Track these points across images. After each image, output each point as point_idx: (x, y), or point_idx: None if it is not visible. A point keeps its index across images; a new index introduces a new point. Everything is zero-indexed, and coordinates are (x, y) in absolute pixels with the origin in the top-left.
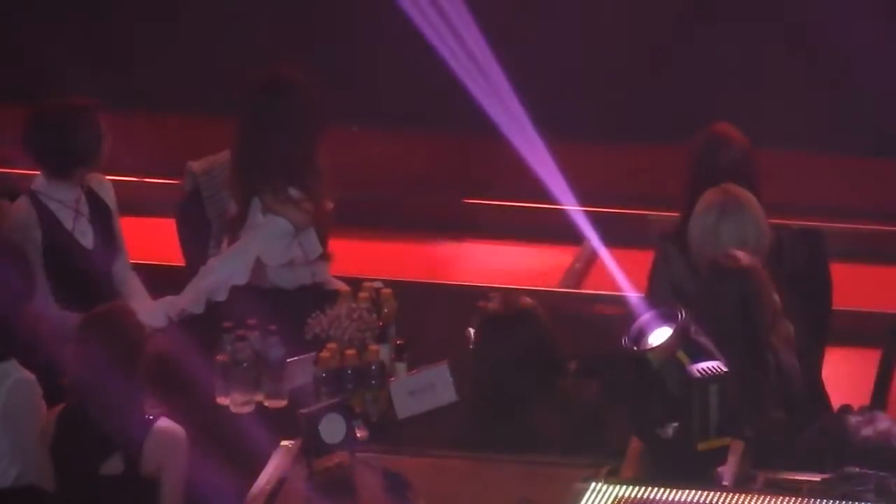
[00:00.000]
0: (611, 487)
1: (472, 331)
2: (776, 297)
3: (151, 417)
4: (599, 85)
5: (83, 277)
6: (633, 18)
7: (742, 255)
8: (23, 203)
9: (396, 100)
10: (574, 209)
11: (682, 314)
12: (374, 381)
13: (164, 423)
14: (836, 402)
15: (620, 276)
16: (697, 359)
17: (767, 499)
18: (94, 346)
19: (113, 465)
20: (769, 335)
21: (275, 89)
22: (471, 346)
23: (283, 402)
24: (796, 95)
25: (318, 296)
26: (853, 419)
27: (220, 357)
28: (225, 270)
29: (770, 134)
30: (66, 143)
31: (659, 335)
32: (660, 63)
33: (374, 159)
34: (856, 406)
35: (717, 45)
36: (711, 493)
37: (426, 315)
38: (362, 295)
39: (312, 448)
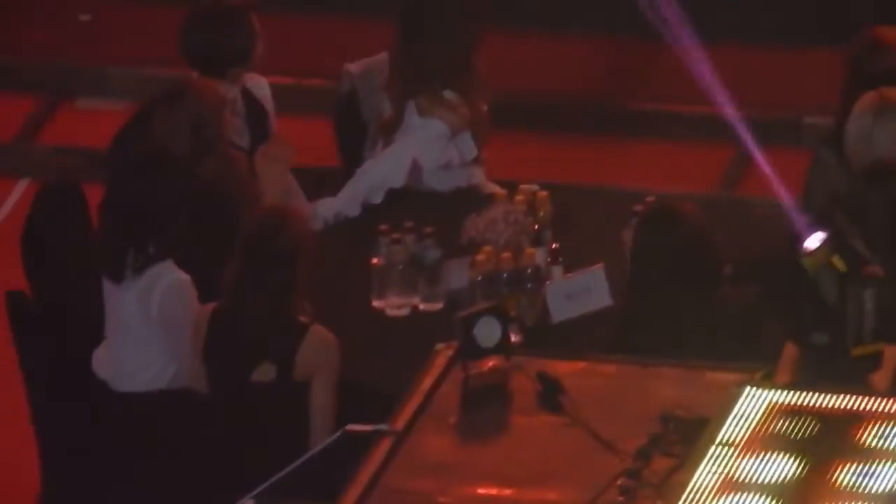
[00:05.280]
0: (765, 392)
1: (628, 234)
2: None
3: (305, 322)
4: None
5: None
6: None
7: (894, 160)
8: None
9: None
10: (731, 112)
11: (838, 219)
12: (529, 285)
13: (317, 329)
14: None
15: (776, 181)
16: (852, 264)
17: None
18: (252, 246)
19: (265, 371)
20: None
21: None
22: (627, 250)
23: (438, 306)
24: None
25: (474, 198)
26: None
27: (375, 260)
28: (381, 172)
29: None
30: (219, 43)
31: (814, 240)
32: None
33: (531, 62)
34: None
35: None
36: (866, 399)
37: (582, 218)
38: (518, 198)
39: (467, 351)
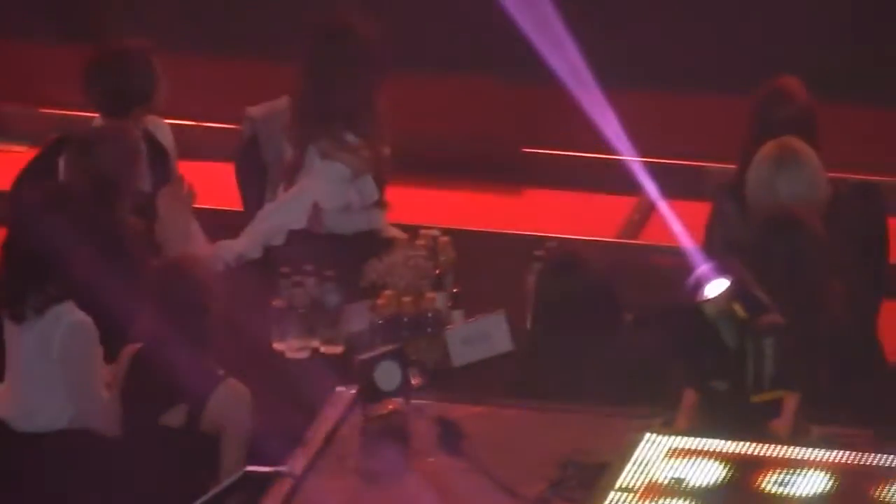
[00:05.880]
0: (665, 438)
1: (530, 279)
2: (831, 251)
3: (220, 374)
4: (656, 33)
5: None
6: None
7: (796, 209)
8: None
9: (452, 46)
10: (632, 160)
11: (738, 267)
12: (430, 329)
13: (230, 382)
14: (894, 355)
15: (678, 228)
16: (752, 311)
17: (821, 453)
18: (164, 297)
19: (175, 417)
20: (822, 288)
21: (334, 36)
22: (529, 295)
23: (338, 349)
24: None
25: (375, 242)
26: None
27: (276, 302)
28: (282, 215)
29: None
30: (123, 85)
31: (715, 287)
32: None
33: (431, 107)
34: None
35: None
36: (766, 446)
37: (483, 263)
38: (419, 242)
39: (368, 395)
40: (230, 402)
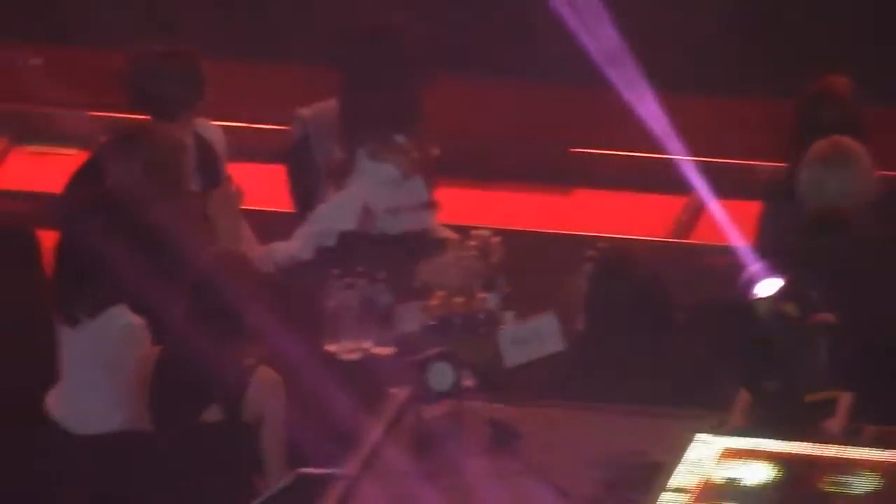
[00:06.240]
0: (717, 438)
1: (581, 280)
2: (882, 249)
3: (251, 364)
4: (710, 36)
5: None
6: None
7: (845, 209)
8: None
9: (507, 49)
10: (682, 159)
11: (790, 266)
12: (481, 330)
13: (263, 370)
14: None
15: (729, 227)
16: (804, 310)
17: (875, 452)
18: (199, 293)
19: (213, 413)
20: (874, 287)
21: (378, 38)
22: (580, 295)
23: (390, 350)
24: None
25: (426, 243)
26: None
27: (328, 304)
28: (333, 216)
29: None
30: (169, 88)
31: (766, 286)
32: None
33: (481, 109)
34: None
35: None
36: (818, 446)
37: (534, 264)
38: (470, 243)
39: (420, 396)
40: (268, 389)
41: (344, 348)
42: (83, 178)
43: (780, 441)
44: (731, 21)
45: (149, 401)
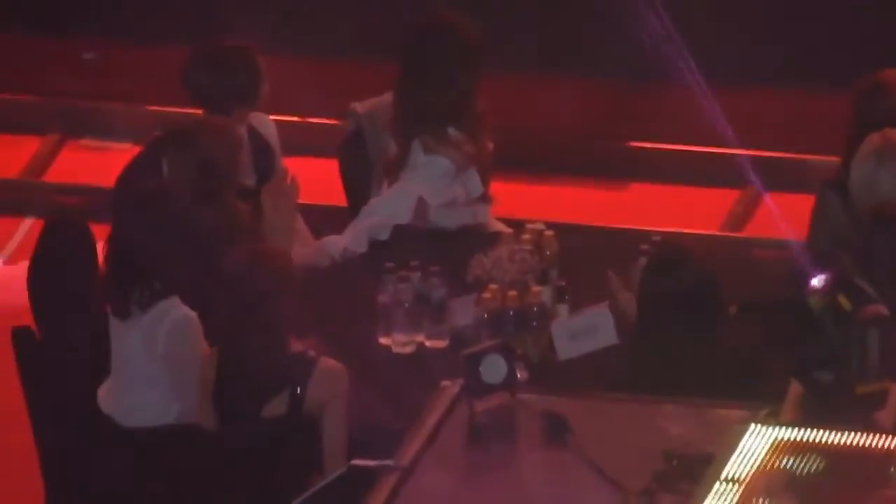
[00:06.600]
0: (770, 429)
1: (634, 274)
2: None
3: (313, 356)
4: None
5: None
6: None
7: None
8: None
9: (560, 46)
10: (736, 153)
11: (843, 258)
12: (535, 323)
13: (325, 361)
14: None
15: (782, 221)
16: (857, 303)
17: None
18: (230, 290)
19: (275, 407)
20: None
21: (431, 32)
22: (634, 289)
23: (444, 343)
24: None
25: (480, 237)
26: None
27: (381, 297)
28: (387, 210)
29: None
30: (224, 82)
31: (820, 279)
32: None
33: (537, 104)
34: None
35: None
36: (871, 437)
37: (587, 258)
38: (524, 237)
39: (473, 389)
40: (331, 379)
41: (397, 341)
42: (136, 172)
43: (831, 432)
44: (780, 11)
45: (213, 396)
